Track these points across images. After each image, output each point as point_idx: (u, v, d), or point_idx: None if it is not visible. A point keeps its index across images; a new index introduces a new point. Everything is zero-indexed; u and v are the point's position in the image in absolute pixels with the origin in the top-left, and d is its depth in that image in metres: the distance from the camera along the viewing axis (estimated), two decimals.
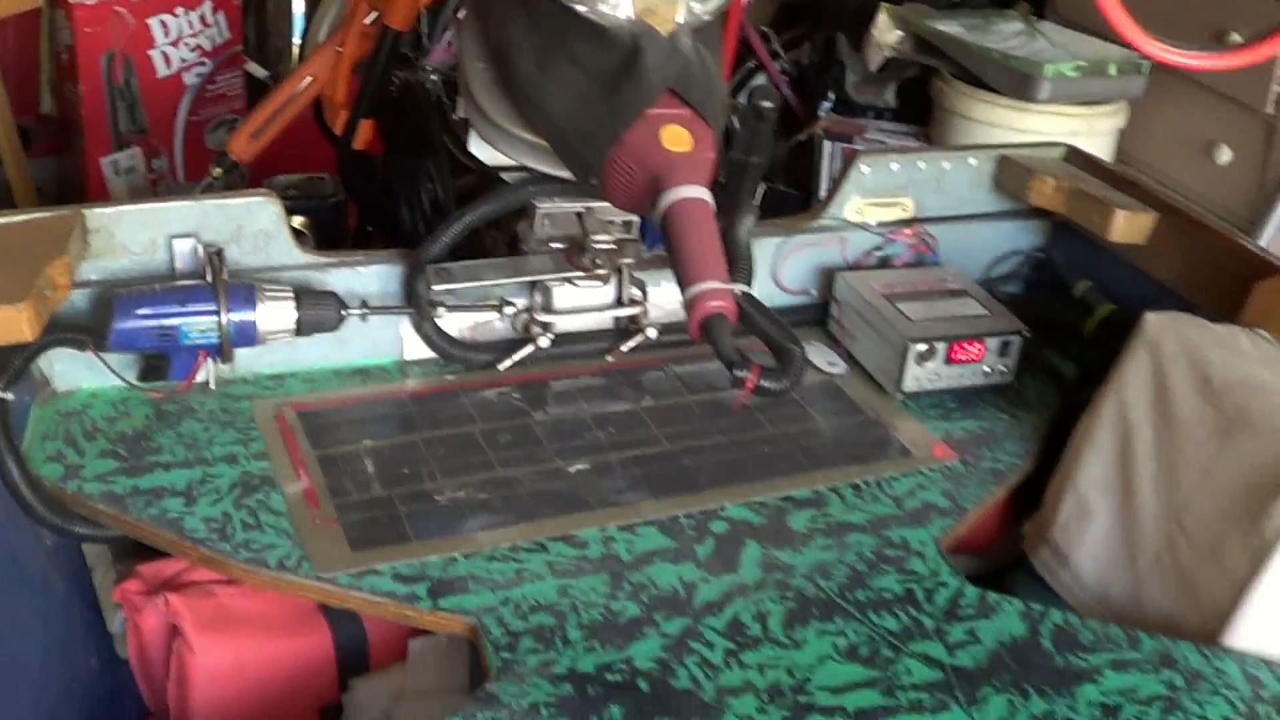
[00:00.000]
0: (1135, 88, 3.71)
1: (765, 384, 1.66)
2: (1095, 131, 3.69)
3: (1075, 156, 2.51)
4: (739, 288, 1.82)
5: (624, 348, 2.17)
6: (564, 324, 2.13)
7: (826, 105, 4.29)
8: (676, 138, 1.83)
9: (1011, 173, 2.42)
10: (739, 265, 1.97)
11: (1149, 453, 1.87)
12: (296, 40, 4.10)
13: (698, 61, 1.91)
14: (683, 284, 1.70)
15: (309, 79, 2.98)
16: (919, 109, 4.09)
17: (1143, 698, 1.58)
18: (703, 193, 1.78)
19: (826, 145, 3.99)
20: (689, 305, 1.67)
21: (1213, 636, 1.72)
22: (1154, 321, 1.93)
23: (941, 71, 3.83)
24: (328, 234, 2.83)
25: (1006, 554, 2.09)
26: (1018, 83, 3.56)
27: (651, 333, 2.15)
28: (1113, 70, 3.56)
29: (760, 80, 4.34)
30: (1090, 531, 1.92)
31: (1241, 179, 3.69)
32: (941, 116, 3.87)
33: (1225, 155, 3.73)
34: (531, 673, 1.53)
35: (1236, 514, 1.73)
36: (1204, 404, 1.82)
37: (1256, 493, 1.71)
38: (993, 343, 2.16)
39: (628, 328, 2.18)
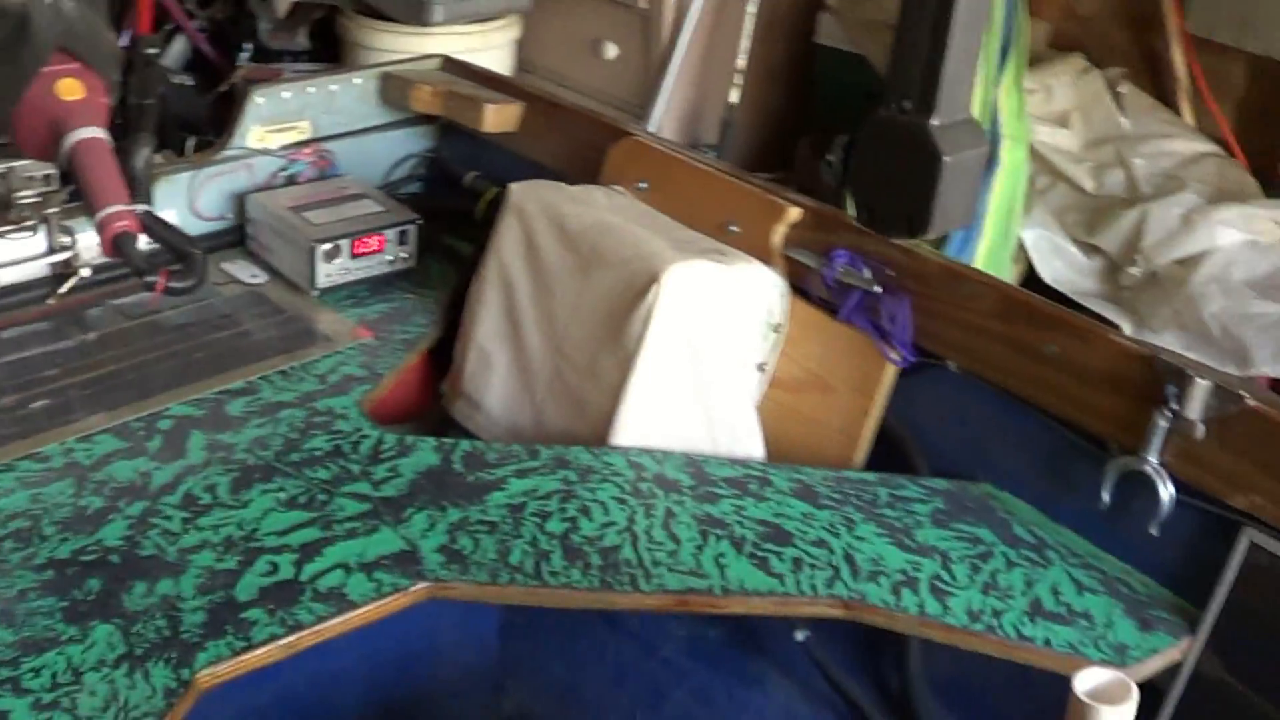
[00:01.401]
0: (523, 2, 4.14)
1: (174, 284, 1.98)
2: (492, 45, 4.10)
3: (450, 65, 2.90)
4: (140, 208, 2.13)
5: (62, 290, 2.41)
6: (1, 277, 2.36)
7: (244, 55, 4.56)
8: (70, 89, 2.14)
9: (394, 86, 2.79)
10: (139, 190, 2.27)
11: (529, 300, 2.27)
12: None
13: (82, 20, 2.19)
14: (92, 211, 1.99)
15: None
16: (334, 48, 4.42)
17: (543, 494, 1.97)
18: (99, 132, 2.08)
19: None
20: (99, 228, 1.97)
21: (602, 439, 2.14)
22: (517, 190, 2.34)
23: (343, 8, 4.16)
24: None
25: (438, 420, 2.46)
26: (411, 9, 3.93)
27: (85, 272, 2.40)
28: None
29: (180, 40, 4.58)
30: (493, 376, 2.31)
31: (628, 70, 4.19)
32: (350, 51, 4.20)
33: (612, 51, 4.22)
34: (16, 567, 1.79)
35: (604, 335, 2.15)
36: (565, 250, 2.23)
37: (616, 314, 2.13)
38: (391, 234, 2.53)
39: (63, 272, 2.42)
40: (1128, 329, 3.07)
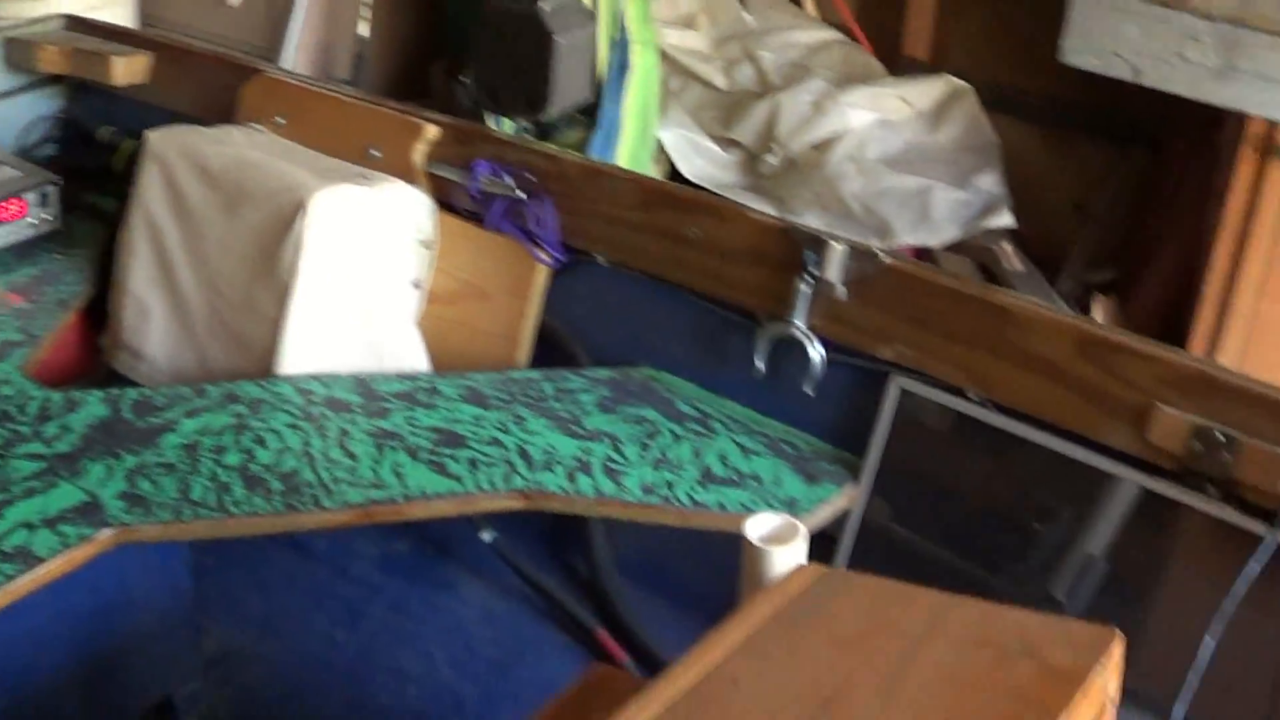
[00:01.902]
0: None
1: None
2: (114, 3, 4.03)
3: (74, 24, 2.86)
4: None
5: None
6: None
7: None
8: None
9: (17, 50, 2.74)
10: None
11: (179, 245, 2.29)
12: None
13: None
14: None
15: None
16: None
17: (216, 430, 2.00)
18: None
19: None
20: None
21: (268, 372, 2.18)
22: (154, 138, 2.34)
23: None
24: None
25: (105, 376, 2.46)
26: None
27: None
28: None
29: None
30: (152, 325, 2.32)
31: (254, 14, 4.18)
32: None
33: None
34: None
35: (258, 269, 2.18)
36: (209, 191, 2.25)
37: (267, 247, 2.16)
38: (32, 197, 2.50)
39: None
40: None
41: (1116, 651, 1.13)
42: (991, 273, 3.08)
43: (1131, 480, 1.80)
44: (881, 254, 1.94)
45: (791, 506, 1.88)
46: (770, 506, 1.87)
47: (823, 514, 1.92)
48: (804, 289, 1.96)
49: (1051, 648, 1.15)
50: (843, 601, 1.28)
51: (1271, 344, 2.59)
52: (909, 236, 3.14)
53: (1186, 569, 1.82)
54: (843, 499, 1.94)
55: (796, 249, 1.96)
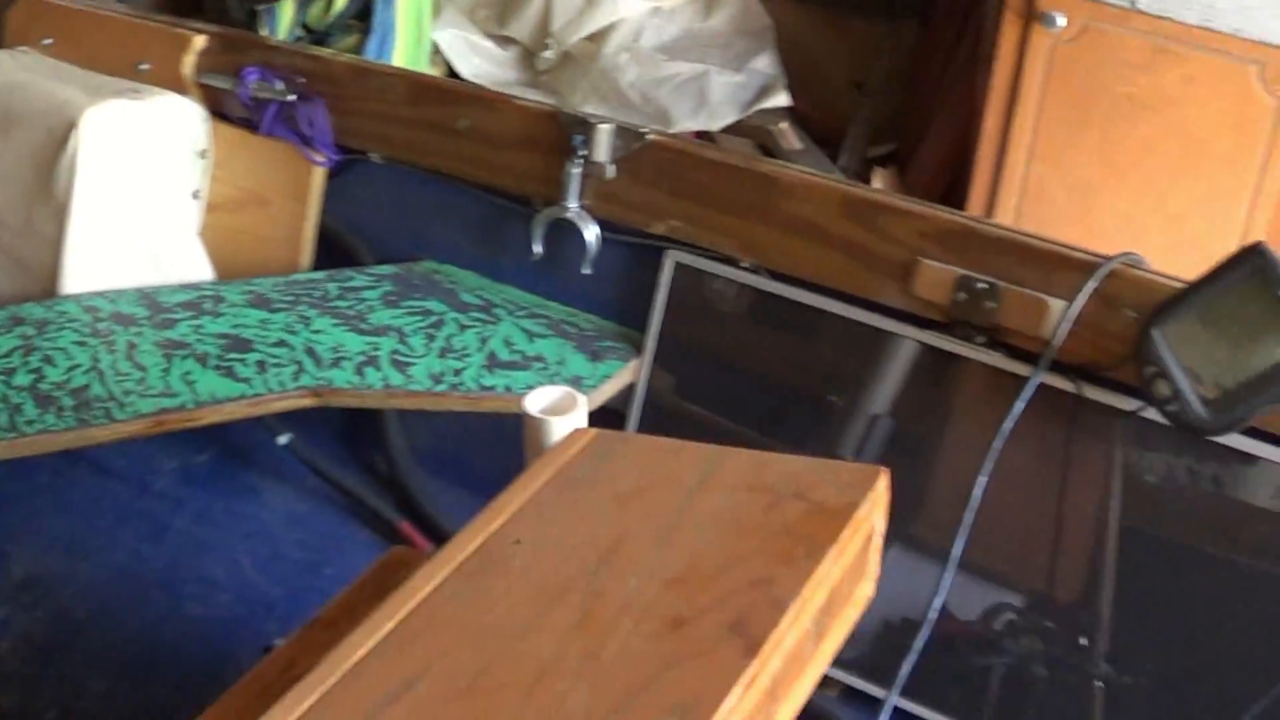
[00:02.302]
0: None
1: None
2: None
3: None
4: None
5: None
6: None
7: None
8: None
9: None
10: None
11: None
12: None
13: None
14: None
15: None
16: None
17: (3, 352, 2.01)
18: None
19: None
20: None
21: (52, 293, 2.18)
22: None
23: None
24: None
25: None
26: None
27: None
28: None
29: None
30: None
31: None
32: None
33: None
34: None
35: (34, 192, 2.18)
36: None
37: (42, 169, 2.16)
38: None
39: None
40: None
41: (882, 487, 1.20)
42: (772, 153, 3.16)
43: (904, 335, 1.89)
44: (648, 132, 2.01)
45: (577, 384, 1.94)
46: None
47: (607, 390, 1.99)
48: (574, 171, 2.02)
49: (821, 488, 1.22)
50: (619, 460, 1.35)
51: (1044, 203, 2.69)
52: (689, 122, 3.20)
53: (963, 416, 1.91)
54: (627, 374, 2.01)
55: (565, 133, 2.02)
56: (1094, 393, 1.77)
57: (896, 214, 1.88)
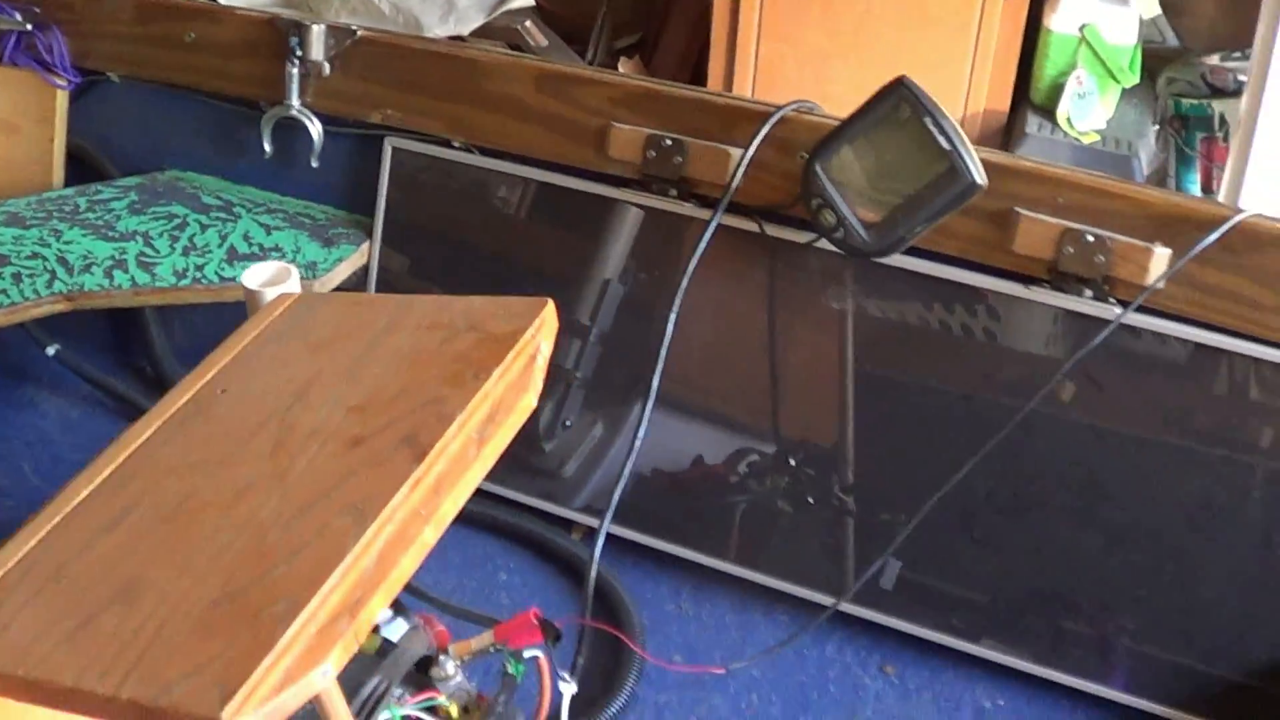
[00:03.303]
0: None
1: None
2: None
3: None
4: None
5: None
6: None
7: None
8: None
9: None
10: None
11: None
12: None
13: None
14: None
15: None
16: None
17: None
18: None
19: None
20: None
21: None
22: None
23: None
24: None
25: None
26: None
27: None
28: None
29: None
30: None
31: None
32: None
33: None
34: None
35: None
36: None
37: None
38: None
39: None
40: None
41: (547, 314, 1.38)
42: (522, 51, 3.32)
43: (605, 196, 2.08)
44: (358, 29, 2.18)
45: (313, 269, 2.12)
46: None
47: (342, 272, 2.16)
48: (294, 71, 2.19)
49: (493, 321, 1.39)
50: (317, 315, 1.52)
51: (778, 77, 2.85)
52: (440, 29, 3.35)
53: (670, 268, 2.07)
54: (359, 256, 2.19)
55: (282, 36, 2.19)
56: (777, 231, 1.97)
57: (587, 84, 2.07)
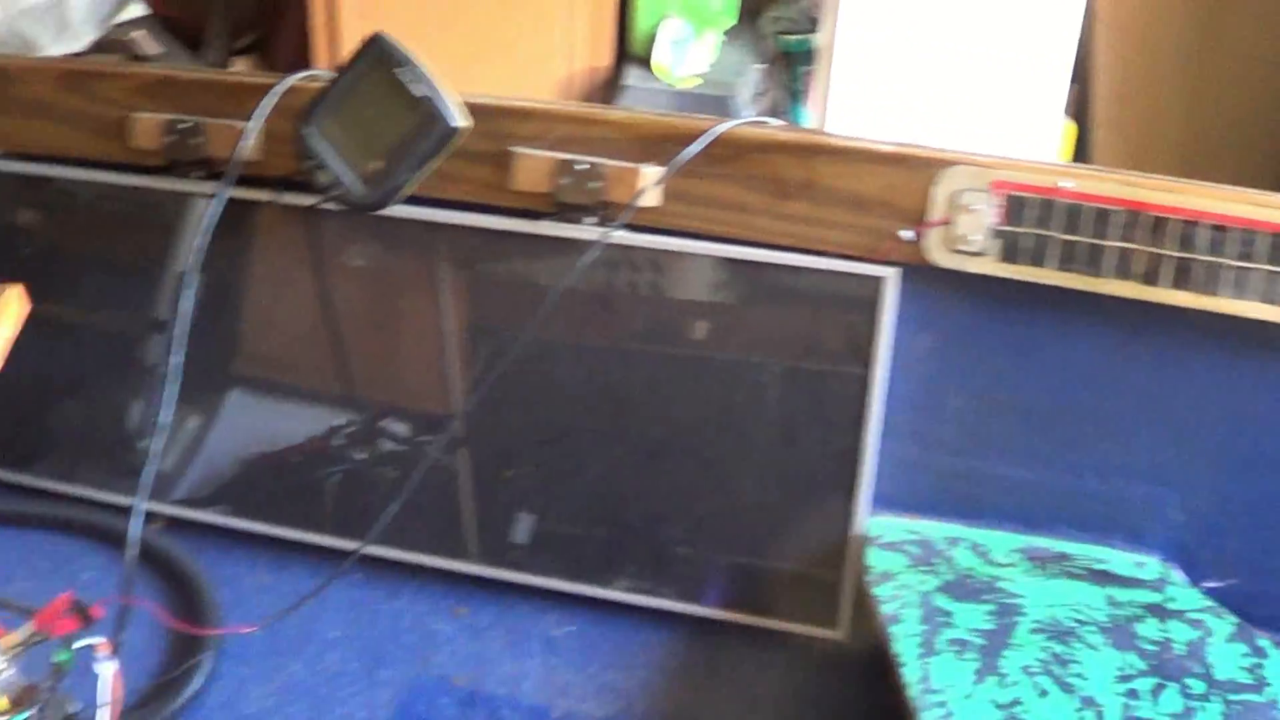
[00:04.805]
0: None
1: None
2: None
3: None
4: None
5: None
6: None
7: None
8: None
9: None
10: None
11: None
12: None
13: None
14: None
15: None
16: None
17: None
18: None
19: None
20: None
21: None
22: None
23: None
24: None
25: None
26: None
27: None
28: None
29: None
30: None
31: None
32: None
33: None
34: None
35: None
36: None
37: None
38: None
39: None
40: None
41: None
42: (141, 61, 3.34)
43: (132, 185, 2.11)
44: None
45: None
46: None
47: None
48: None
49: None
50: None
51: None
52: (55, 48, 3.35)
53: (236, 253, 2.12)
54: None
55: None
56: (295, 199, 2.02)
57: (106, 78, 2.07)
